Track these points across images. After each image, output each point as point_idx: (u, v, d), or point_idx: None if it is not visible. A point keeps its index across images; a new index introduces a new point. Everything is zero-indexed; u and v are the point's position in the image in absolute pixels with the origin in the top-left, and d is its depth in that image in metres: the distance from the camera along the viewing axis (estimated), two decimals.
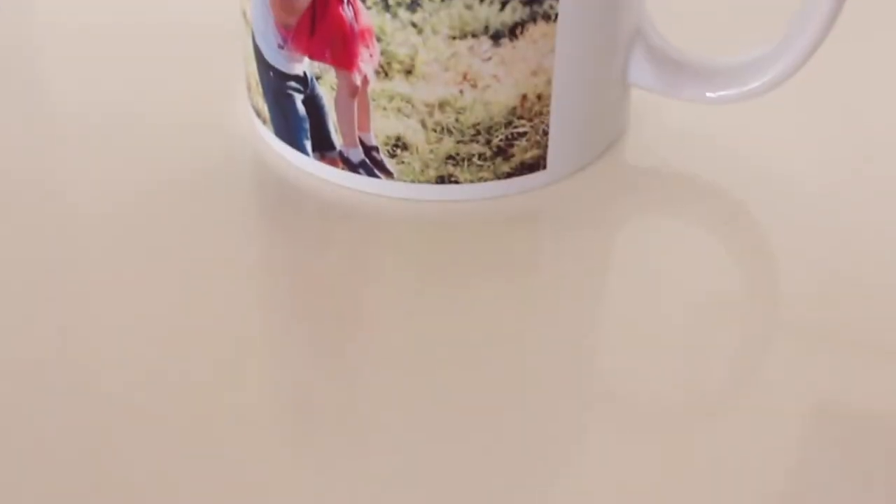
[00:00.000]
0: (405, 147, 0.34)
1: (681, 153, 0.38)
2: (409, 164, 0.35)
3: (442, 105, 0.34)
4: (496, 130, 0.34)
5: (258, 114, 0.37)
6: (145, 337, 0.31)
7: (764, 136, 0.38)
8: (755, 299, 0.34)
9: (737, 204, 0.36)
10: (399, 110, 0.34)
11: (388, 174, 0.35)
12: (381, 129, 0.34)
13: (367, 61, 0.33)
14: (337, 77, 0.34)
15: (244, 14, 0.36)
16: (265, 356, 0.32)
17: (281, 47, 0.34)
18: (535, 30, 0.33)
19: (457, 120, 0.34)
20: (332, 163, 0.35)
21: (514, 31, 0.33)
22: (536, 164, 0.35)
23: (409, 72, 0.33)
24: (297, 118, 0.35)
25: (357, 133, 0.35)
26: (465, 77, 0.33)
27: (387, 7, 0.32)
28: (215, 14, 0.42)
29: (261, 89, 0.36)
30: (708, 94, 0.36)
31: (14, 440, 0.29)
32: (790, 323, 0.33)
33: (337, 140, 0.35)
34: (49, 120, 0.39)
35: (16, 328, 0.32)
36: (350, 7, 0.33)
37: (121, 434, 0.29)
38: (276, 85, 0.35)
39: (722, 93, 0.36)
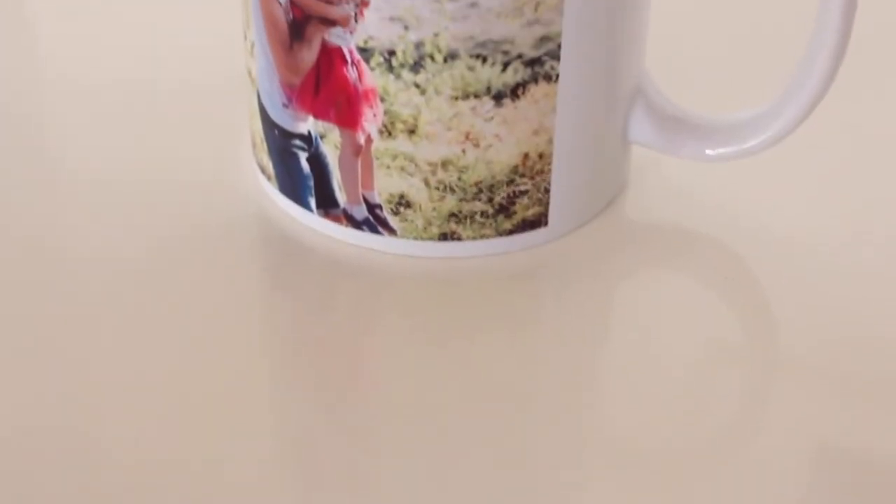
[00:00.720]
0: (408, 205, 0.35)
1: (681, 209, 0.38)
2: (412, 221, 0.35)
3: (445, 164, 0.34)
4: (498, 188, 0.35)
5: (263, 170, 0.37)
6: (148, 393, 0.32)
7: (763, 192, 0.39)
8: (755, 352, 0.34)
9: (736, 259, 0.37)
10: (402, 169, 0.34)
11: (392, 231, 0.35)
12: (384, 186, 0.35)
13: (370, 121, 0.34)
14: (341, 136, 0.34)
15: (249, 73, 0.36)
16: (269, 412, 0.32)
17: (286, 106, 0.35)
18: (537, 90, 0.33)
19: (459, 178, 0.34)
20: (336, 219, 0.36)
21: (515, 91, 0.33)
22: (538, 221, 0.36)
23: (412, 131, 0.34)
24: (302, 175, 0.36)
25: (361, 191, 0.35)
26: (467, 136, 0.34)
27: (390, 68, 0.33)
28: (220, 71, 0.43)
29: (266, 146, 0.36)
30: (707, 152, 0.37)
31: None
32: (790, 373, 0.33)
33: (341, 197, 0.35)
34: (53, 177, 0.40)
35: (17, 389, 0.32)
36: (354, 68, 0.33)
37: (122, 493, 0.29)
38: (280, 143, 0.36)
39: (721, 150, 0.36)
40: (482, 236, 0.35)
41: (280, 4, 0.34)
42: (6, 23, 0.48)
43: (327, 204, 0.36)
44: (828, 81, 0.34)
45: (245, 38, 0.36)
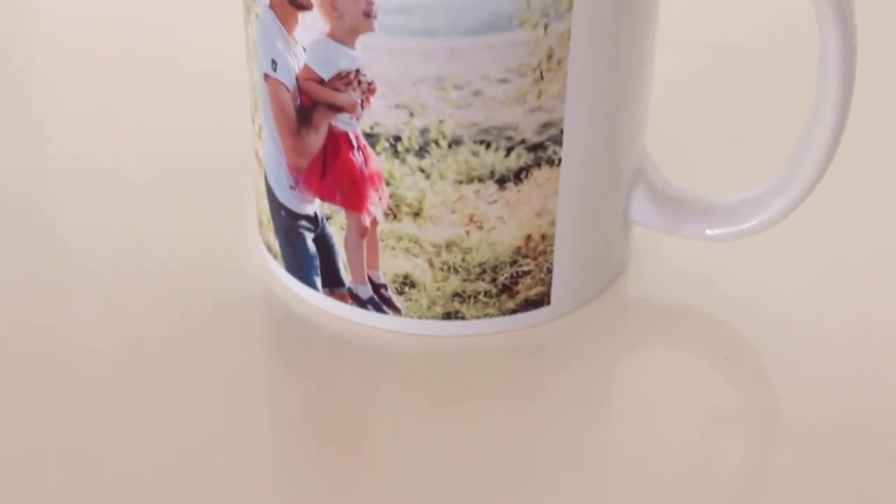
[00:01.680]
0: (413, 285, 0.35)
1: (681, 287, 0.39)
2: (416, 301, 0.36)
3: (449, 245, 0.35)
4: (501, 269, 0.35)
5: (269, 249, 0.38)
6: (156, 470, 0.32)
7: (762, 270, 0.39)
8: (756, 428, 0.34)
9: (736, 338, 0.37)
10: (407, 250, 0.35)
11: (396, 310, 0.36)
12: (389, 267, 0.35)
13: (376, 204, 0.34)
14: (347, 218, 0.35)
15: (256, 154, 0.37)
16: (275, 489, 0.32)
17: (293, 188, 0.36)
18: (540, 174, 0.34)
19: (463, 259, 0.35)
20: (342, 298, 0.36)
21: (518, 175, 0.34)
22: (540, 301, 0.36)
23: (417, 214, 0.34)
24: (308, 255, 0.36)
25: (366, 271, 0.36)
26: (471, 219, 0.34)
27: (396, 153, 0.33)
28: (227, 150, 0.44)
29: (272, 226, 0.37)
30: (707, 232, 0.37)
31: None
32: (792, 448, 0.33)
33: (346, 277, 0.36)
34: (62, 257, 0.40)
35: (20, 471, 0.32)
36: (360, 152, 0.34)
37: None
38: (287, 223, 0.36)
39: (720, 231, 0.37)
40: (485, 315, 0.36)
41: (288, 90, 0.34)
42: (15, 119, 0.49)
43: (333, 283, 0.36)
44: (825, 164, 0.35)
45: (253, 121, 0.37)
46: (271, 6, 0.34)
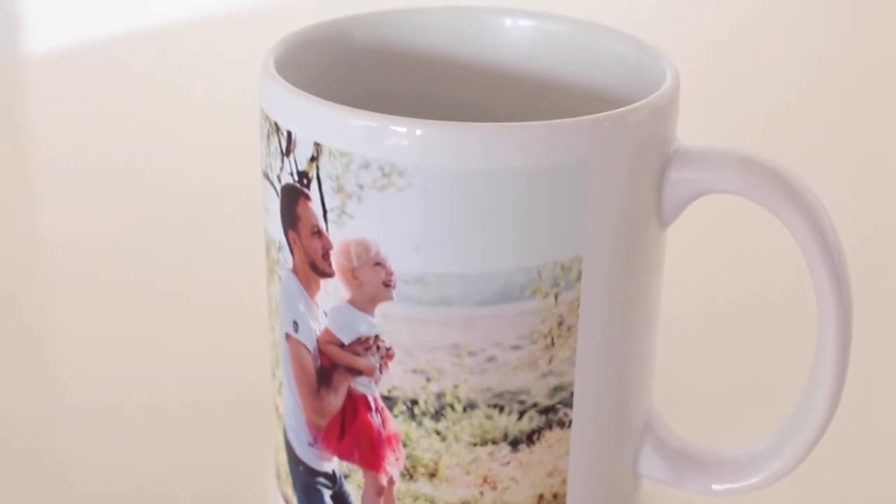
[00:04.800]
0: None
1: None
2: None
3: None
4: None
5: (287, 502, 0.39)
6: None
7: None
8: None
9: None
10: None
11: None
12: None
13: (393, 464, 0.35)
14: (364, 477, 0.36)
15: (276, 409, 0.38)
16: None
17: (311, 445, 0.37)
18: (551, 435, 0.35)
19: None
20: None
21: (531, 437, 0.35)
22: None
23: (432, 475, 0.35)
24: None
25: None
26: (485, 480, 0.35)
27: (413, 416, 0.35)
28: (249, 398, 0.45)
29: (290, 480, 0.38)
30: (714, 487, 0.38)
31: None
32: None
33: None
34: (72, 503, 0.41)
35: None
36: (378, 414, 0.35)
37: None
38: (305, 478, 0.37)
39: (727, 486, 0.38)
40: None
41: (309, 351, 0.36)
42: (27, 365, 0.50)
43: None
44: (826, 421, 0.36)
45: (273, 376, 0.38)
46: (294, 270, 0.35)
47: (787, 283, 0.52)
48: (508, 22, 0.41)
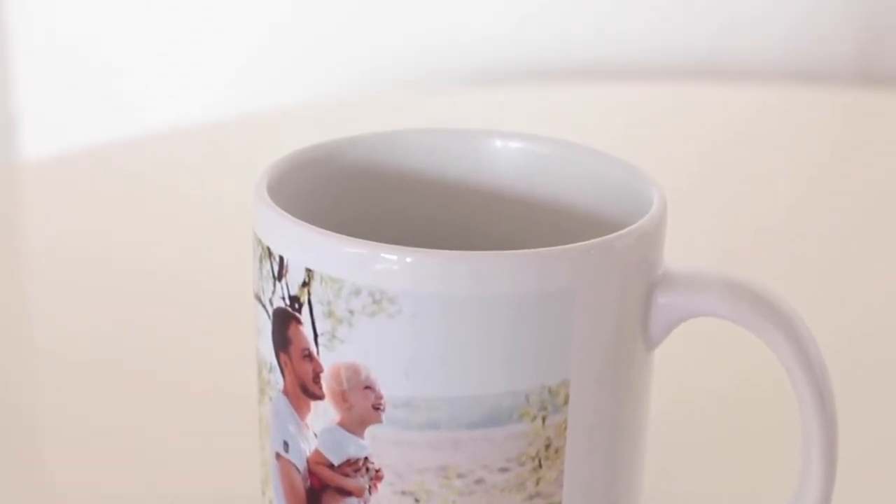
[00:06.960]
0: None
1: None
2: None
3: None
4: None
5: None
6: None
7: None
8: None
9: None
10: None
11: None
12: None
13: None
14: None
15: None
16: None
17: None
18: None
19: None
20: None
21: None
22: None
23: None
24: None
25: None
26: None
27: None
28: None
29: None
30: None
31: None
32: None
33: None
34: None
35: None
36: None
37: None
38: None
39: None
40: None
41: (299, 472, 0.36)
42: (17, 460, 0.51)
43: None
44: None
45: (263, 493, 0.38)
46: (285, 392, 0.36)
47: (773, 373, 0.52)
48: (498, 143, 0.41)
